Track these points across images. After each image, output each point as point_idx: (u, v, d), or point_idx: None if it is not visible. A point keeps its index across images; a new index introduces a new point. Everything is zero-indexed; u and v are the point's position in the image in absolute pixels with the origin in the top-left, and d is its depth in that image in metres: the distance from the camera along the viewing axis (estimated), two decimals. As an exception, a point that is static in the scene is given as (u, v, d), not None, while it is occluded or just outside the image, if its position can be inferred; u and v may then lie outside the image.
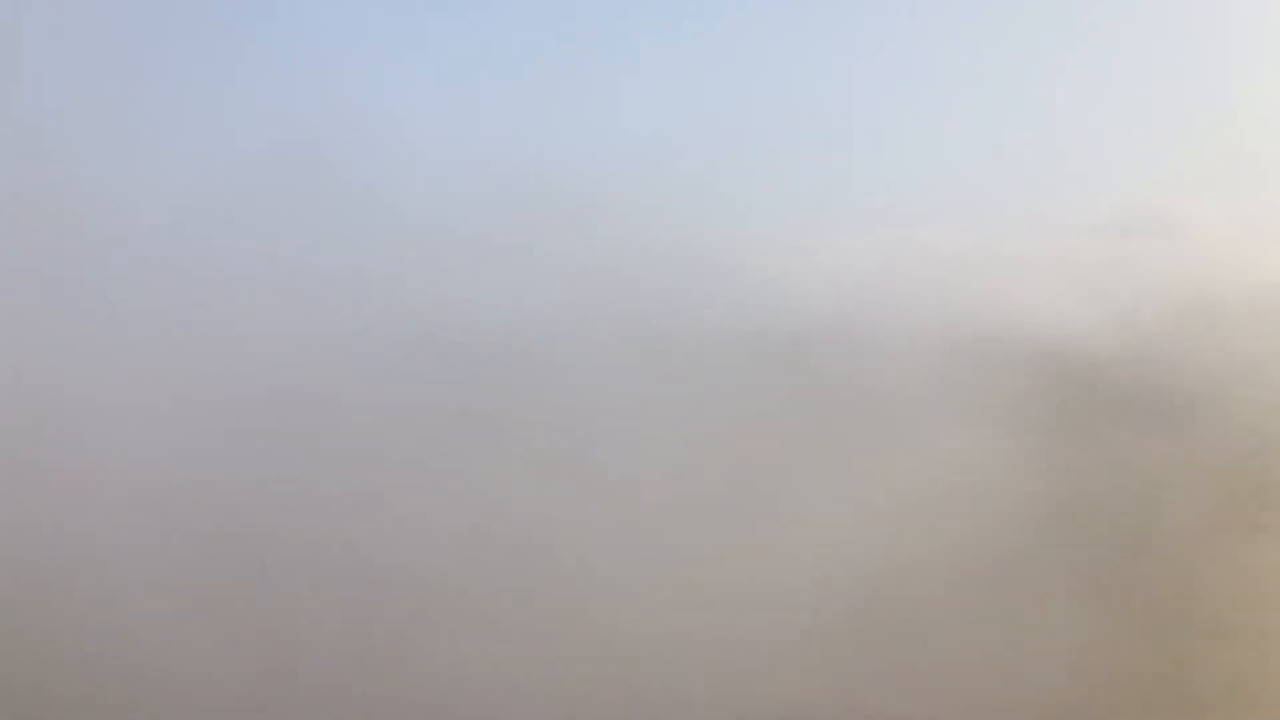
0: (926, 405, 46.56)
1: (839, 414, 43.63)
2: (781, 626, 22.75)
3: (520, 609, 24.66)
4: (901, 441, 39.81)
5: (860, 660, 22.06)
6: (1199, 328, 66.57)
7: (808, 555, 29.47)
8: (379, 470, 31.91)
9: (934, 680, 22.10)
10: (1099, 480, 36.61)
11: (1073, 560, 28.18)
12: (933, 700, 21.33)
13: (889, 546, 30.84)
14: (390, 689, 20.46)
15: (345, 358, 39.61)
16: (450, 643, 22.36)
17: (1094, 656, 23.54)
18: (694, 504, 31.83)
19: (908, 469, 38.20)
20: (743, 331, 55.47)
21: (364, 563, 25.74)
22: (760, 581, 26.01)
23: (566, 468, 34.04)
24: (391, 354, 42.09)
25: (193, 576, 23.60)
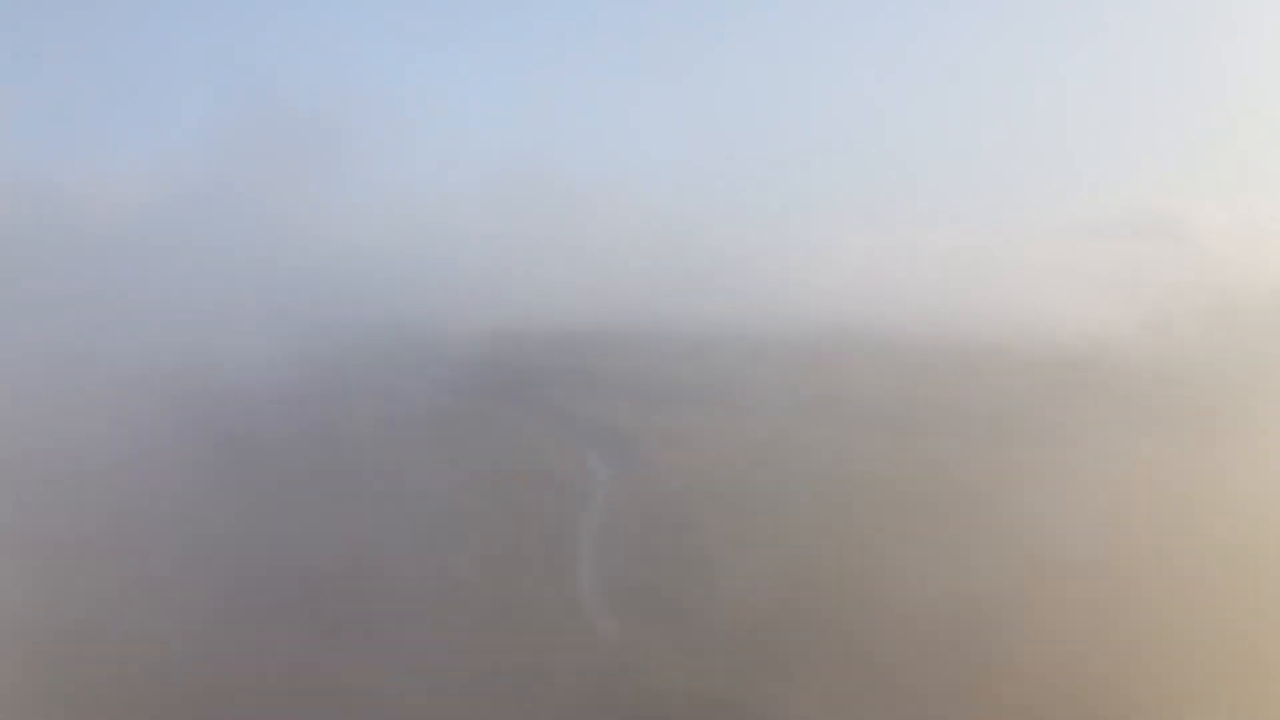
0: (932, 410, 46.07)
1: (841, 415, 43.20)
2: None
3: (518, 612, 24.34)
4: (909, 447, 39.41)
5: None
6: (1209, 329, 65.88)
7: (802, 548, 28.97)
8: (378, 469, 31.69)
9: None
10: (1112, 484, 36.08)
11: (1085, 564, 27.72)
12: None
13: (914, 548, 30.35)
14: (382, 689, 20.15)
15: (346, 356, 39.42)
16: (443, 643, 22.01)
17: (1109, 660, 23.08)
18: (694, 504, 31.54)
19: (915, 473, 37.82)
20: (747, 333, 55.07)
21: (359, 560, 25.47)
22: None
23: (567, 468, 33.83)
24: (392, 352, 41.93)
25: (186, 576, 23.35)
